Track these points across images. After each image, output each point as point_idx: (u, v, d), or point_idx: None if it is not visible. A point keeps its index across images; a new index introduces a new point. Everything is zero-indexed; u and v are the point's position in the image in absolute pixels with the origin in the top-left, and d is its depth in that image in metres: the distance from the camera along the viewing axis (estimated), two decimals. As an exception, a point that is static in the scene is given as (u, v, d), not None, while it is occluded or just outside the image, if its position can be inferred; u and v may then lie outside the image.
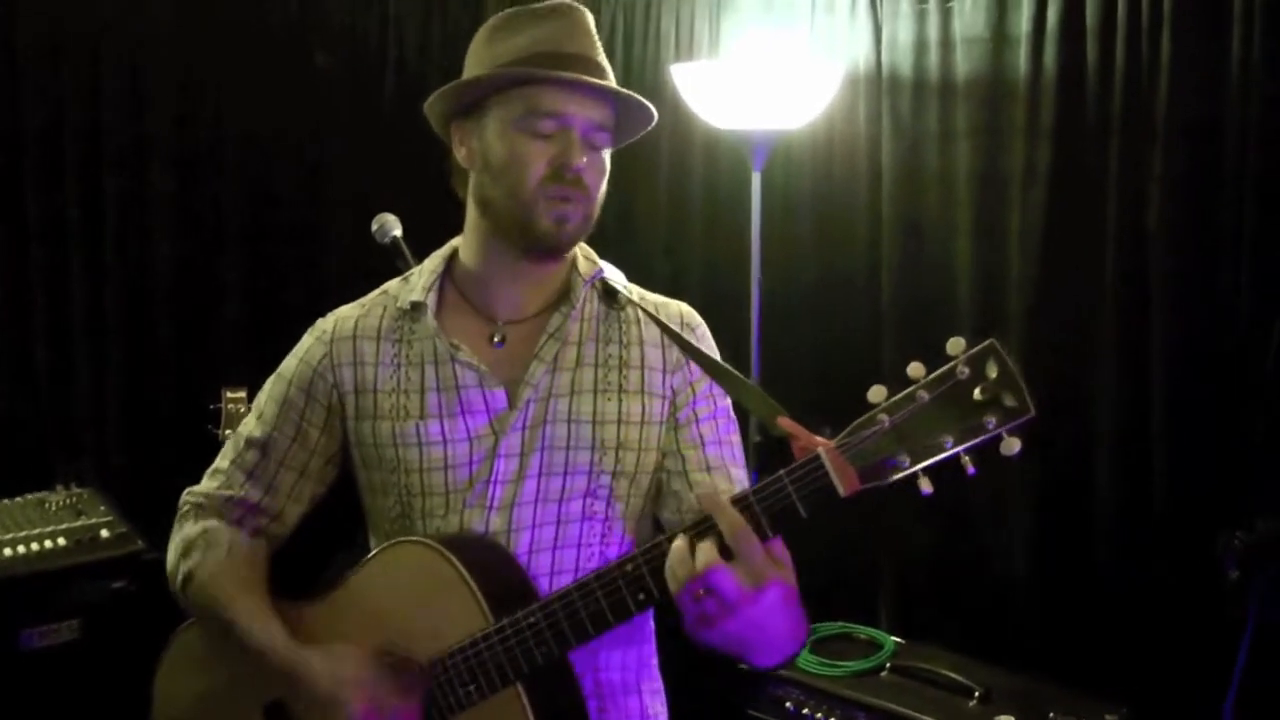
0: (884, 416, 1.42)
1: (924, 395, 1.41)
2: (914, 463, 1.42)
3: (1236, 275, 2.85)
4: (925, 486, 1.43)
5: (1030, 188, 3.20)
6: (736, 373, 1.73)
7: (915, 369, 1.42)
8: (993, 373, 1.39)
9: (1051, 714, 2.72)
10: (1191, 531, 2.87)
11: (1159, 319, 2.99)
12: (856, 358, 3.60)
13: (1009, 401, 1.38)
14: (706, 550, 1.46)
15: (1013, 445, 1.38)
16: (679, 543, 1.50)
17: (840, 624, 3.19)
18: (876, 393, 1.43)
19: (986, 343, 1.40)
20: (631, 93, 1.77)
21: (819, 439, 1.47)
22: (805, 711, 2.89)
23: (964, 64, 3.32)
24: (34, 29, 3.86)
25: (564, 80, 1.70)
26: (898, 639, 3.11)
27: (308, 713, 1.74)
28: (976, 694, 2.82)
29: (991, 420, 1.38)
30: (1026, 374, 1.40)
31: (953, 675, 2.89)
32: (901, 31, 3.43)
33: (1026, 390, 1.38)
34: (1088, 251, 3.11)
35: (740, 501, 1.49)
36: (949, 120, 3.37)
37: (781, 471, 1.48)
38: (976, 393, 1.39)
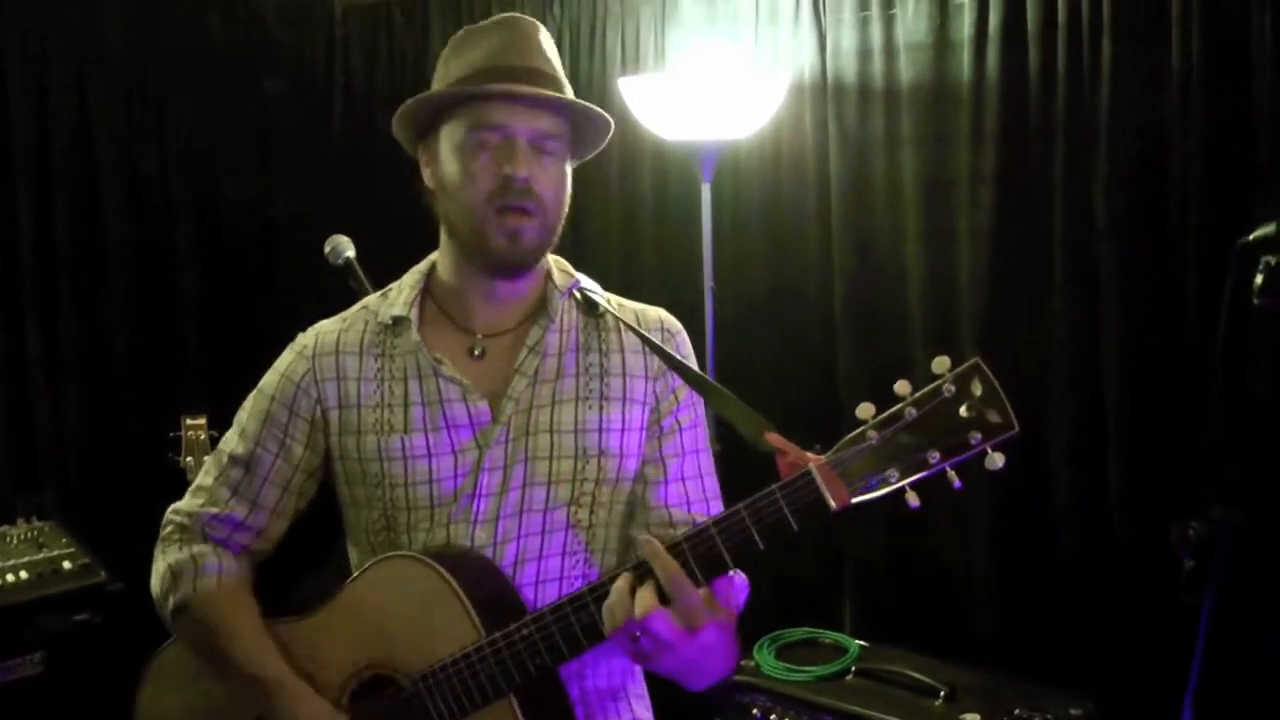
0: (872, 433, 1.47)
1: (911, 412, 1.45)
2: (902, 477, 1.46)
3: (1183, 270, 2.89)
4: (913, 500, 1.47)
5: (977, 191, 3.23)
6: (720, 386, 1.75)
7: (902, 386, 1.46)
8: (978, 390, 1.44)
9: (1016, 710, 2.74)
10: (1148, 523, 2.90)
11: (1109, 316, 3.02)
12: (811, 365, 3.62)
13: (993, 418, 1.43)
14: (645, 597, 1.50)
15: (996, 460, 1.43)
16: (620, 584, 1.53)
17: (805, 629, 3.20)
18: (864, 409, 1.47)
19: (971, 361, 1.45)
20: (575, 99, 1.78)
21: (808, 454, 1.51)
22: (772, 718, 2.90)
23: (908, 70, 3.34)
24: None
25: (501, 93, 1.71)
26: (862, 642, 3.13)
27: None
28: (942, 694, 2.84)
29: (977, 436, 1.43)
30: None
31: (918, 676, 2.91)
32: (845, 39, 3.45)
33: (1010, 408, 1.43)
34: (1036, 252, 3.14)
35: (674, 548, 1.53)
36: (894, 126, 3.39)
37: (774, 486, 1.51)
38: (962, 410, 1.44)
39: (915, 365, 3.37)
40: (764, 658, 3.05)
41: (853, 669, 3.01)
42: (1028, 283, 3.18)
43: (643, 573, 1.53)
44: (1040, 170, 3.13)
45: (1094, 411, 3.07)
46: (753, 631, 3.14)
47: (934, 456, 1.45)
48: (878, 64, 3.40)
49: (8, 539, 3.52)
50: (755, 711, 2.94)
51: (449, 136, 1.77)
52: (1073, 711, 2.76)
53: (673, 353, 1.84)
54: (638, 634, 1.50)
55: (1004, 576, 3.26)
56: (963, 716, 2.75)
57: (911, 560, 3.42)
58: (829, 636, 3.18)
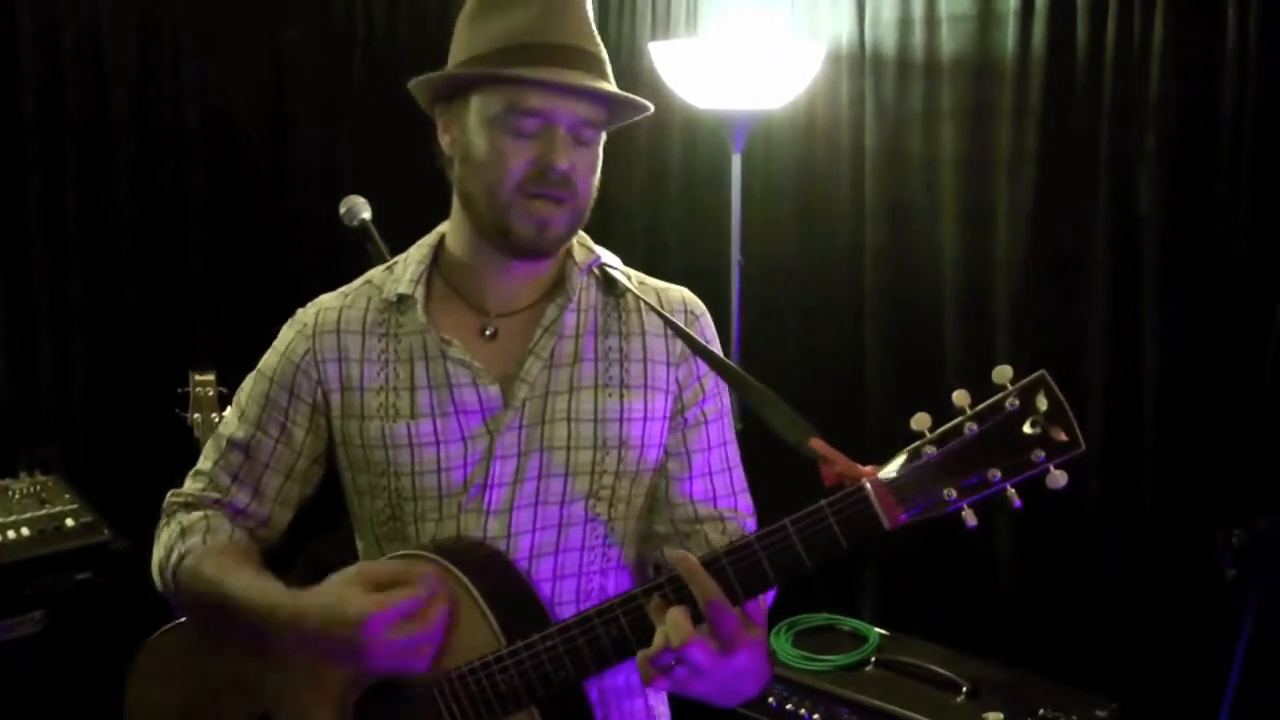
0: (930, 448, 1.38)
1: (972, 428, 1.37)
2: (961, 497, 1.38)
3: (1232, 260, 2.79)
4: (970, 519, 1.39)
5: (1018, 169, 3.14)
6: (757, 383, 1.62)
7: (961, 397, 1.37)
8: (1043, 405, 1.35)
9: (1041, 710, 2.68)
10: (1184, 524, 2.83)
11: (1152, 306, 2.92)
12: (839, 342, 3.55)
13: (1059, 436, 1.34)
14: (681, 624, 1.40)
15: (1059, 479, 1.34)
16: (672, 612, 1.42)
17: (825, 615, 3.14)
18: (920, 420, 1.39)
19: (1037, 374, 1.37)
20: (622, 93, 1.66)
21: (861, 468, 1.42)
22: (789, 708, 2.83)
23: (949, 42, 3.24)
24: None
25: (551, 83, 1.59)
26: (883, 631, 3.06)
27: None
28: (964, 689, 2.77)
29: (1041, 455, 1.35)
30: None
31: (939, 670, 2.85)
32: (885, 8, 3.35)
33: (1077, 425, 1.34)
34: (1077, 235, 3.05)
35: (714, 564, 1.43)
36: (934, 100, 3.30)
37: (824, 501, 1.42)
38: (1026, 426, 1.35)
39: (945, 346, 3.32)
40: (781, 644, 2.98)
41: (873, 659, 2.94)
42: (1066, 268, 3.09)
43: (675, 588, 1.45)
44: (1084, 150, 3.02)
45: (1132, 406, 2.97)
46: (769, 614, 3.07)
47: (995, 475, 1.36)
48: (919, 35, 3.30)
49: (10, 493, 3.47)
50: (770, 700, 2.86)
51: (480, 109, 1.64)
52: (1098, 714, 2.70)
53: (697, 337, 1.74)
54: (673, 663, 1.40)
55: (1033, 569, 3.18)
56: (986, 715, 2.68)
57: (935, 547, 3.33)
58: (848, 624, 3.12)
